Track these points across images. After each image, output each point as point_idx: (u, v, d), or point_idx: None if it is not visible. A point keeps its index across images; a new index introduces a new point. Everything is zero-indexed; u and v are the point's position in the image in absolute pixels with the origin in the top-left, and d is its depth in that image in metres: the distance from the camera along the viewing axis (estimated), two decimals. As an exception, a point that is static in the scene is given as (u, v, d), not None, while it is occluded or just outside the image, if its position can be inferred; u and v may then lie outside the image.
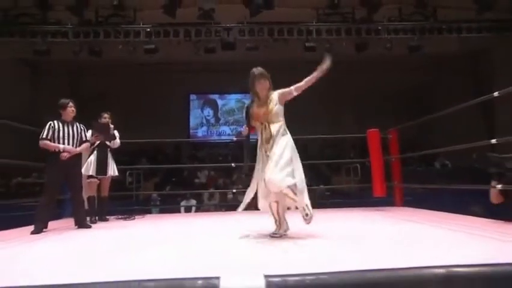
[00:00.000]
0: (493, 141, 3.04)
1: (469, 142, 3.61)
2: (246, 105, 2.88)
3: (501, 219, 3.13)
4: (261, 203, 2.66)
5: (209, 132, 12.70)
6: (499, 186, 2.93)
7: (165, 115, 11.46)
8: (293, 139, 2.69)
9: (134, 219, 4.52)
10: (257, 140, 2.77)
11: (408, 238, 2.64)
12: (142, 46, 8.71)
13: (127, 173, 6.36)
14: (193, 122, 12.68)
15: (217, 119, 12.74)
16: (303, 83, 2.74)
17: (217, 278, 0.53)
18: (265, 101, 2.71)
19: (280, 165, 2.49)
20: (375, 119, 6.54)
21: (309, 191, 2.72)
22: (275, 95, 2.72)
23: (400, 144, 5.32)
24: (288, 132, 2.71)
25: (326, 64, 2.72)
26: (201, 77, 11.67)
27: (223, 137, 12.41)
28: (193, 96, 12.81)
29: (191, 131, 12.58)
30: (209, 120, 12.77)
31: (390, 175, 5.21)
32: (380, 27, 8.66)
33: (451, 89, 10.70)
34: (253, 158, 2.78)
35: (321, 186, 8.75)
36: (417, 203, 5.17)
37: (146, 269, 1.83)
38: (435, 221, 3.45)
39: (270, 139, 2.63)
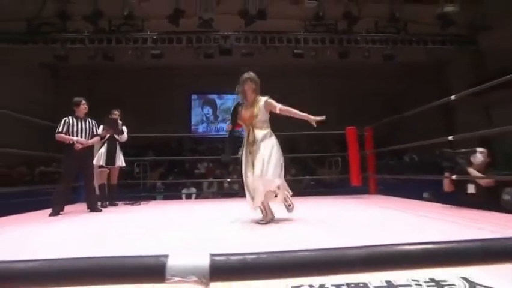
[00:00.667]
0: (450, 138, 3.10)
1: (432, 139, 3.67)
2: (234, 104, 2.71)
3: (452, 204, 3.22)
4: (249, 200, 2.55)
5: (208, 129, 12.70)
6: (454, 177, 3.00)
7: (169, 113, 11.43)
8: (285, 135, 2.61)
9: (140, 204, 4.53)
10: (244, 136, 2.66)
11: (377, 221, 2.70)
12: (149, 52, 8.67)
13: (135, 164, 6.36)
14: (194, 119, 12.66)
15: (216, 117, 12.74)
16: (289, 111, 2.57)
17: (166, 256, 0.52)
18: (252, 104, 2.57)
19: (272, 164, 2.41)
20: (355, 118, 6.59)
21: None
22: (262, 101, 2.57)
23: (375, 141, 5.36)
24: (273, 135, 2.57)
25: (316, 120, 2.54)
26: (202, 79, 11.65)
27: (220, 133, 12.38)
28: (194, 96, 12.77)
29: (192, 127, 12.56)
30: (208, 117, 12.77)
31: (366, 167, 5.26)
32: (359, 38, 8.70)
33: (420, 94, 10.72)
34: (235, 151, 2.72)
35: (307, 176, 8.82)
36: (389, 191, 5.24)
37: (143, 247, 1.87)
38: (402, 207, 3.52)
39: (254, 143, 2.50)
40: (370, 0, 7.50)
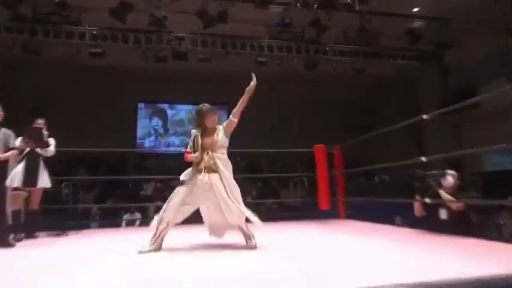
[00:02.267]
0: (423, 159, 3.30)
1: (403, 159, 3.88)
2: (194, 135, 2.96)
3: (424, 230, 3.37)
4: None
5: (157, 143, 12.31)
6: (427, 200, 3.18)
7: (110, 123, 10.90)
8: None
9: (67, 235, 4.16)
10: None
11: (343, 254, 2.66)
12: (88, 49, 8.29)
13: (63, 185, 5.92)
14: (140, 131, 12.22)
15: (166, 130, 12.42)
16: (238, 107, 2.93)
17: None
18: (213, 132, 2.89)
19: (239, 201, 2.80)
20: (322, 134, 6.80)
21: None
22: (221, 127, 2.94)
23: (345, 161, 5.55)
24: (229, 162, 2.90)
25: (253, 83, 2.94)
26: (151, 85, 11.32)
27: (171, 148, 12.07)
28: (141, 105, 12.39)
29: (138, 140, 12.10)
30: (157, 130, 12.41)
31: (335, 189, 5.39)
32: (327, 48, 9.14)
33: (390, 108, 11.60)
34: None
35: (270, 200, 8.83)
36: (360, 214, 5.38)
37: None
38: (369, 234, 3.60)
39: (212, 168, 2.81)
40: (340, 9, 7.91)
